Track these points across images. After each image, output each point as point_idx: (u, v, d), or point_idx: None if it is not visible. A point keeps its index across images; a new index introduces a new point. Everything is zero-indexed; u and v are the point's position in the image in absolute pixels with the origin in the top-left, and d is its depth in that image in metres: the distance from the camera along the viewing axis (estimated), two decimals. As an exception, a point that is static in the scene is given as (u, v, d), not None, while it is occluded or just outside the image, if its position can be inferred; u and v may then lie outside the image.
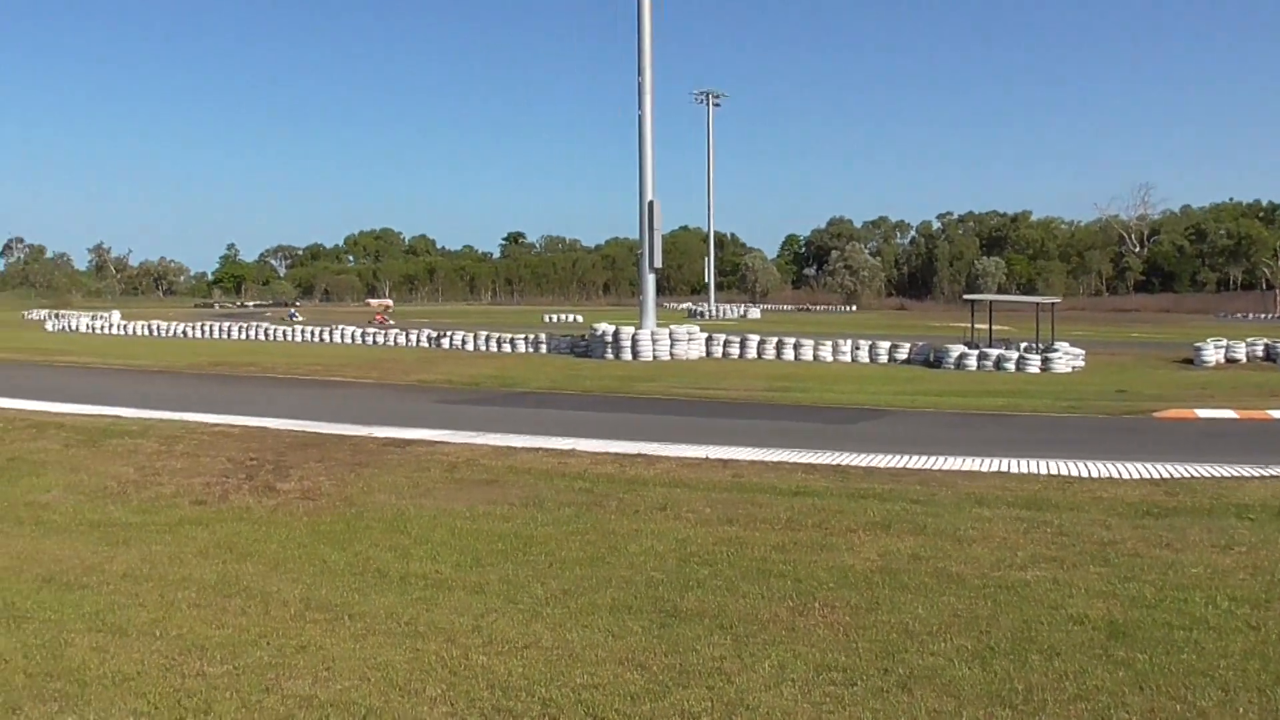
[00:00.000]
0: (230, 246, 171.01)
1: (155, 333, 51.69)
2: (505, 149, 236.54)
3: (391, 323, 56.00)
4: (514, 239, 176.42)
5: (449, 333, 41.47)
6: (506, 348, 38.09)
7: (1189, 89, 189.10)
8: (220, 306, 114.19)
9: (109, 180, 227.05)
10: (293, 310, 75.86)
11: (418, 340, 41.54)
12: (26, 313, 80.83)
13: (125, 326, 54.53)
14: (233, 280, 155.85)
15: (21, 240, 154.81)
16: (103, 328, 55.41)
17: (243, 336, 47.81)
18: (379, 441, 13.81)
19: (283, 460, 12.29)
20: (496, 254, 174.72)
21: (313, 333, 45.80)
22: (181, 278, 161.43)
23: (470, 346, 39.15)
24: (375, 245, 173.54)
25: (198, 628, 6.39)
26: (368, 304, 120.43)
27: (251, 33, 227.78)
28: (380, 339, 42.49)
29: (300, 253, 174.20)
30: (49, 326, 60.08)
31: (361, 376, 27.07)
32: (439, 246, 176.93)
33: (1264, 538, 8.41)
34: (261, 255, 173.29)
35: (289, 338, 46.06)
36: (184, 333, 50.58)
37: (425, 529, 8.95)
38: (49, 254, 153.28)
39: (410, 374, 27.55)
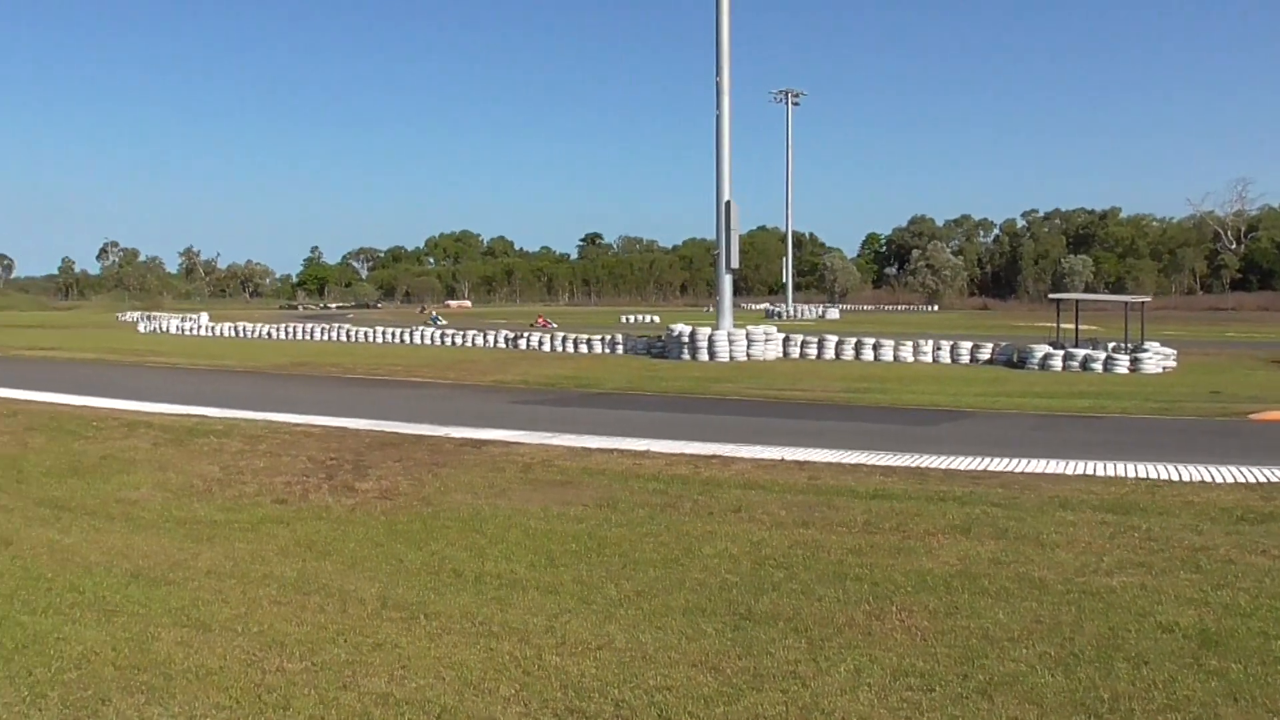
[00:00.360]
0: (314, 249, 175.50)
1: (241, 334, 53.06)
2: (583, 150, 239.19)
3: (554, 325, 55.91)
4: (591, 240, 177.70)
5: (526, 334, 41.83)
6: (583, 349, 38.27)
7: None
8: (304, 308, 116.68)
9: (199, 185, 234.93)
10: (434, 315, 73.96)
11: (495, 341, 41.98)
12: (120, 315, 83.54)
13: (213, 328, 55.98)
14: (316, 282, 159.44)
15: (116, 244, 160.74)
16: (191, 329, 57.02)
17: (325, 338, 48.80)
18: (455, 442, 13.95)
19: (361, 460, 12.49)
20: (574, 255, 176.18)
21: (393, 334, 46.53)
22: (267, 280, 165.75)
23: (547, 347, 39.42)
24: (455, 247, 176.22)
25: (278, 624, 6.50)
26: (447, 305, 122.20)
27: (335, 41, 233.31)
28: (459, 340, 42.99)
29: (381, 255, 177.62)
30: (141, 328, 61.95)
31: (439, 377, 27.40)
32: (517, 248, 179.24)
33: (1367, 545, 8.03)
34: (344, 257, 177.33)
35: (369, 339, 46.87)
36: (268, 334, 51.82)
37: (500, 529, 9.00)
38: (142, 257, 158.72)
39: (487, 375, 27.83)
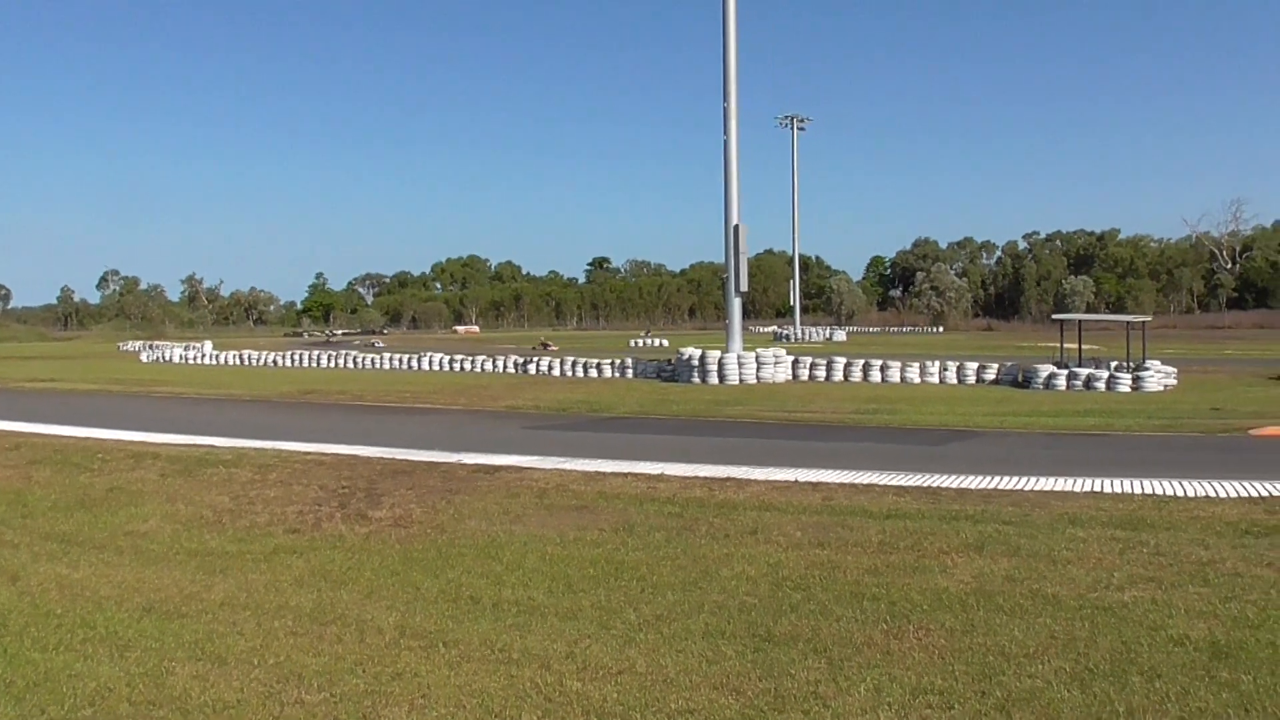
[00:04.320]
0: (319, 275, 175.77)
1: (246, 362, 52.95)
2: (590, 175, 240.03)
3: (555, 347, 56.07)
4: (599, 264, 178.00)
5: (535, 359, 41.90)
6: (593, 373, 38.32)
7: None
8: (309, 335, 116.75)
9: (201, 212, 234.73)
10: (461, 327, 74.42)
11: (505, 366, 42.05)
12: (121, 344, 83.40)
13: (217, 356, 55.84)
14: (321, 309, 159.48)
15: (117, 273, 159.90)
16: (195, 358, 56.86)
17: (332, 365, 48.86)
18: (469, 468, 14.00)
19: (374, 488, 12.55)
20: (582, 279, 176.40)
21: (401, 360, 46.60)
22: (271, 307, 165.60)
23: (557, 372, 39.47)
24: (462, 272, 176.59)
25: (295, 656, 6.53)
26: (454, 331, 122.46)
27: (338, 63, 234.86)
28: (469, 365, 43.06)
29: (388, 280, 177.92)
30: (143, 358, 61.29)
31: (450, 403, 27.45)
32: (525, 272, 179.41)
33: (1375, 558, 8.11)
34: (349, 283, 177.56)
35: (378, 365, 46.96)
36: (274, 362, 51.80)
37: (517, 555, 9.06)
38: (143, 286, 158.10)
39: (498, 400, 27.89)
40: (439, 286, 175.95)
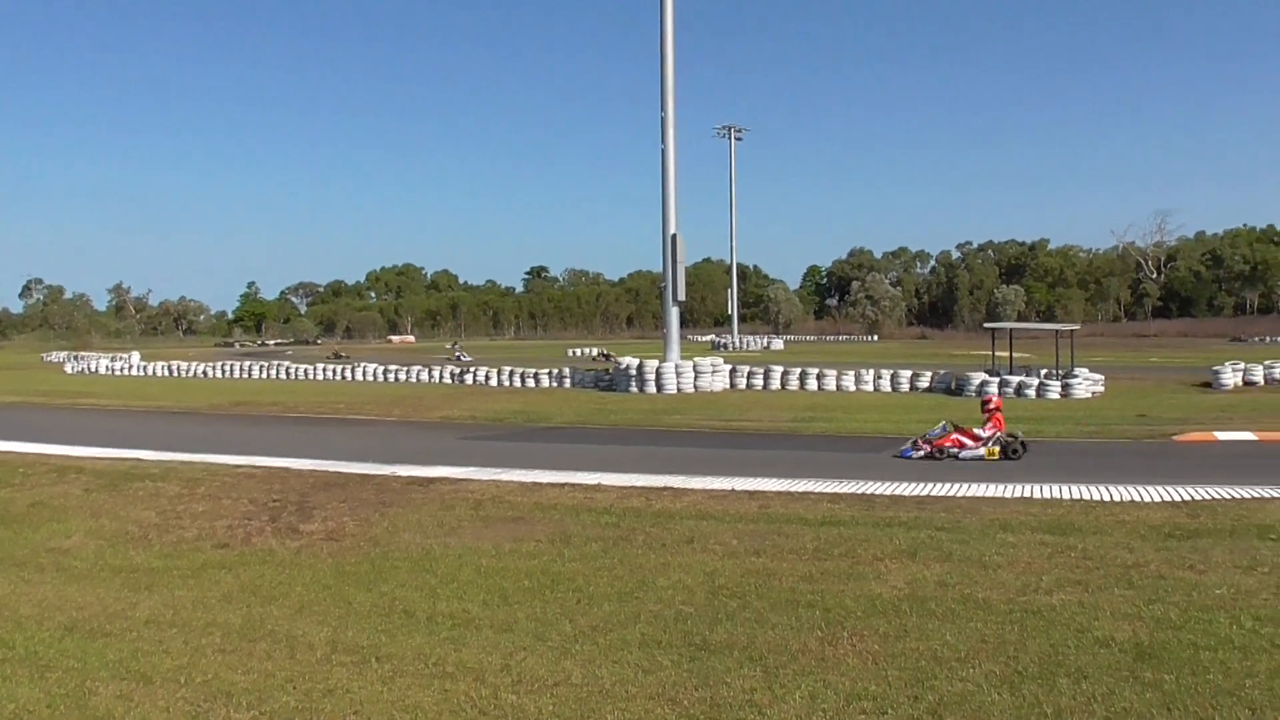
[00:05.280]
0: (250, 284, 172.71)
1: (175, 373, 51.84)
2: (527, 183, 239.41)
3: (468, 358, 55.33)
4: (537, 273, 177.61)
5: (472, 368, 41.61)
6: (530, 382, 38.18)
7: (1204, 114, 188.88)
8: (240, 345, 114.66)
9: (128, 219, 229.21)
10: (458, 351, 72.57)
11: (441, 376, 41.70)
12: (46, 355, 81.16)
13: (145, 367, 54.57)
14: (253, 318, 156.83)
15: (40, 281, 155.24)
16: (122, 369, 55.54)
17: (264, 375, 48.06)
18: (403, 480, 13.85)
19: (306, 501, 12.35)
20: (519, 288, 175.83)
21: (334, 371, 46.01)
22: (201, 317, 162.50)
23: (494, 382, 39.26)
24: (397, 281, 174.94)
25: (223, 673, 6.40)
26: (389, 340, 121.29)
27: (269, 69, 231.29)
28: (403, 376, 42.63)
29: (321, 289, 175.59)
30: (68, 369, 59.62)
31: (384, 414, 27.16)
32: (461, 281, 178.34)
33: (1290, 558, 8.37)
34: (282, 293, 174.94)
35: (311, 376, 46.29)
36: (204, 373, 50.74)
37: (452, 568, 8.97)
38: (68, 295, 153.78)
39: (434, 410, 27.65)
40: (374, 296, 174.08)
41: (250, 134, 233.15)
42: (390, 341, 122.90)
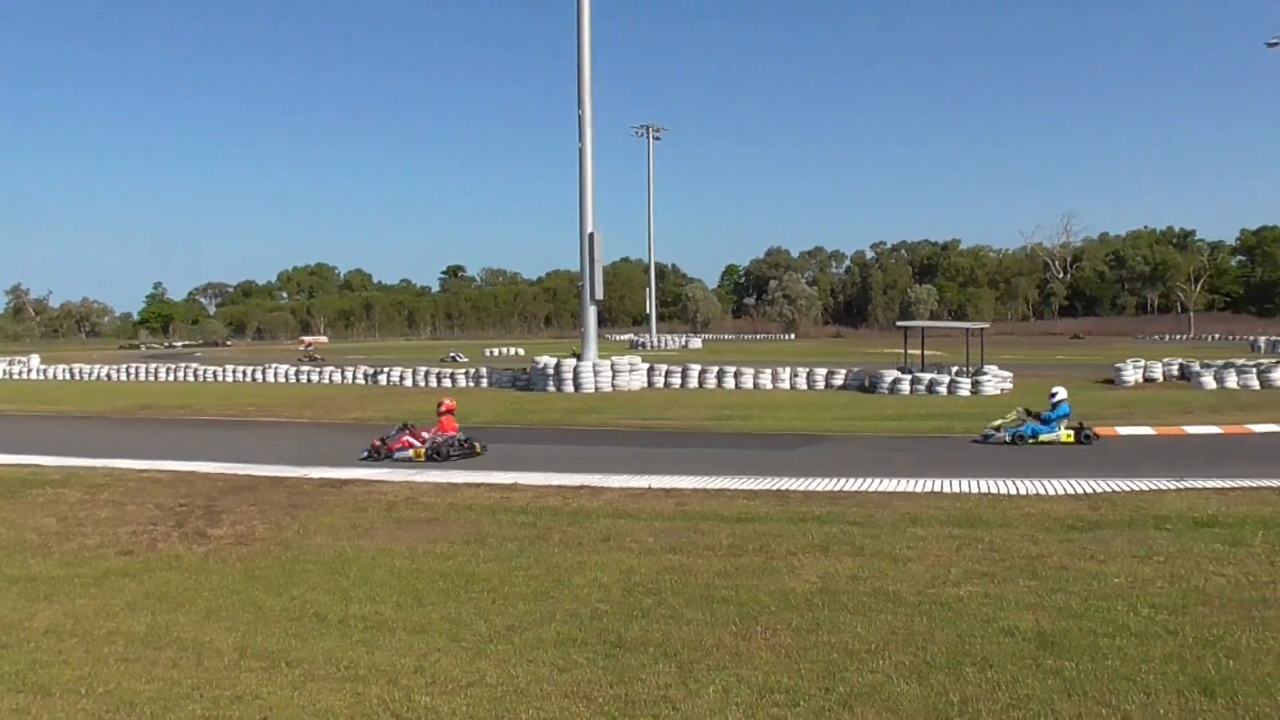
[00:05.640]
0: (157, 285, 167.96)
1: (78, 376, 50.16)
2: (444, 182, 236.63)
3: (319, 357, 53.88)
4: (453, 272, 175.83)
5: (387, 369, 41.09)
6: (447, 383, 37.84)
7: (1108, 119, 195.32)
8: (146, 347, 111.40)
9: (26, 218, 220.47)
10: (310, 348, 70.40)
11: (354, 378, 41.07)
12: (-63, 361, 77.75)
13: (45, 371, 52.76)
14: (160, 320, 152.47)
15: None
16: (21, 373, 53.48)
17: (171, 378, 46.77)
18: (315, 482, 13.65)
19: (214, 505, 12.08)
20: (436, 288, 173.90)
21: (245, 373, 44.99)
22: (105, 319, 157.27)
23: (409, 383, 38.81)
24: (310, 281, 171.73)
25: (127, 683, 6.22)
26: (302, 341, 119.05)
27: (172, 61, 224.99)
28: (315, 377, 41.87)
29: (231, 290, 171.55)
30: (-38, 373, 57.50)
31: (296, 416, 26.73)
32: (376, 281, 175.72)
33: (1181, 547, 8.73)
34: (190, 294, 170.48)
35: (220, 378, 45.19)
36: (108, 376, 49.23)
37: (365, 570, 8.86)
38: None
39: (347, 412, 27.27)
40: (285, 296, 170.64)
41: (154, 131, 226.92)
42: (303, 343, 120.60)
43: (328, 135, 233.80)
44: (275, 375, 43.49)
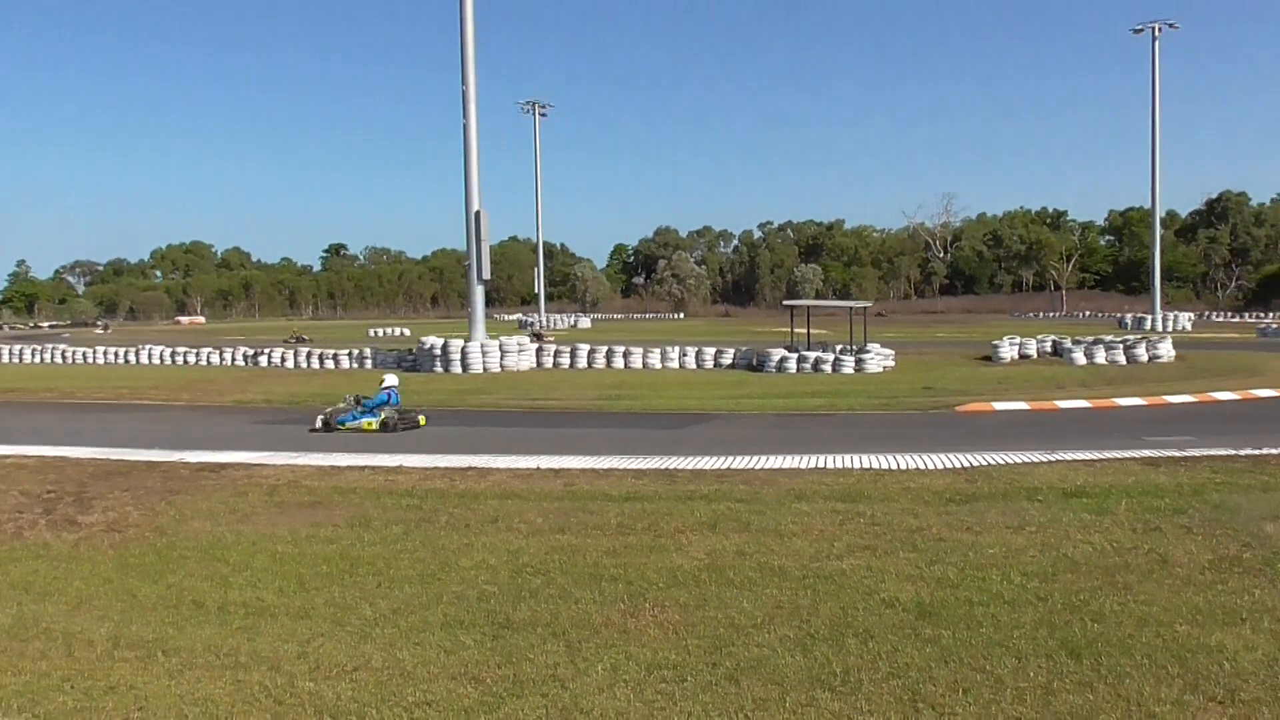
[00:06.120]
0: (20, 263, 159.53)
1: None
2: (325, 158, 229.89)
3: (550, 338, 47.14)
4: (335, 251, 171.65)
5: (267, 350, 39.99)
6: (330, 364, 37.04)
7: (986, 102, 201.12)
8: (9, 328, 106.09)
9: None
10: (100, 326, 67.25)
11: (233, 359, 39.87)
12: None
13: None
14: (24, 299, 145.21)
15: None
16: None
17: (38, 360, 44.65)
18: (192, 467, 13.24)
19: (85, 492, 11.61)
20: (317, 267, 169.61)
21: (117, 354, 43.25)
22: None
23: (290, 364, 37.86)
24: (185, 259, 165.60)
25: (-9, 676, 5.96)
26: (178, 322, 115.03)
27: (40, 27, 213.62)
28: (193, 359, 40.49)
29: (101, 268, 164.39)
30: None
31: (172, 399, 25.84)
32: (255, 260, 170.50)
33: (1051, 517, 9.12)
34: (57, 272, 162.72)
35: (91, 360, 43.33)
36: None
37: (245, 556, 8.64)
38: None
39: (225, 394, 26.46)
40: (159, 275, 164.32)
41: (16, 100, 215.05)
42: (179, 323, 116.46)
43: (202, 106, 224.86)
44: (149, 357, 41.90)
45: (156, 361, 41.37)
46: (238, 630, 6.65)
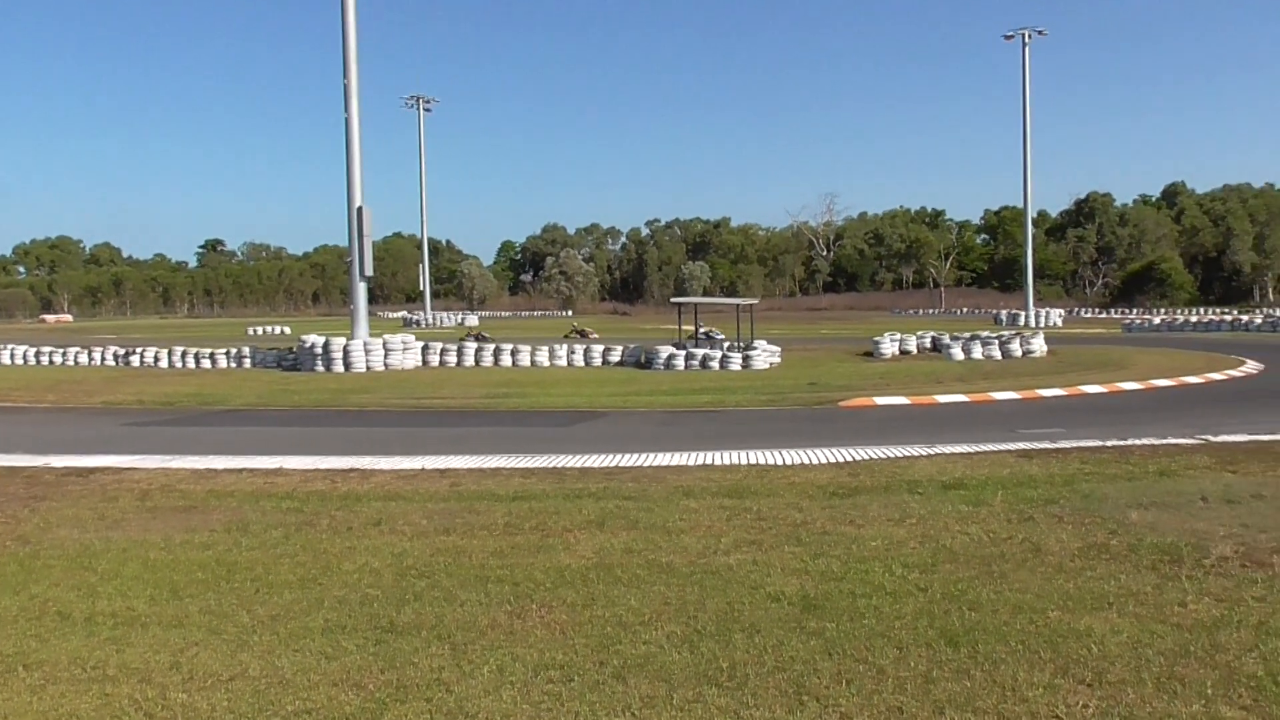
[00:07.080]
0: None
1: None
2: (200, 150, 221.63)
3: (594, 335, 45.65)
4: (212, 247, 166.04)
5: (140, 349, 38.47)
6: (206, 363, 35.83)
7: (866, 104, 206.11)
8: None
9: None
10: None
11: (103, 358, 38.23)
12: None
13: None
14: None
15: None
16: None
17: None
18: (57, 471, 12.68)
19: (-59, 499, 10.99)
20: (193, 263, 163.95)
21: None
22: None
23: (164, 364, 36.51)
24: (50, 255, 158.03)
25: None
26: (43, 320, 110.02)
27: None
28: (59, 358, 38.70)
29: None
30: None
31: (36, 400, 24.67)
32: (126, 255, 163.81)
33: (931, 509, 9.38)
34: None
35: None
36: None
37: (114, 564, 8.27)
38: None
39: (95, 395, 25.39)
40: (22, 271, 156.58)
41: None
42: (44, 321, 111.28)
43: (67, 94, 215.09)
44: (11, 357, 39.86)
45: (20, 361, 39.41)
46: (106, 641, 6.36)
